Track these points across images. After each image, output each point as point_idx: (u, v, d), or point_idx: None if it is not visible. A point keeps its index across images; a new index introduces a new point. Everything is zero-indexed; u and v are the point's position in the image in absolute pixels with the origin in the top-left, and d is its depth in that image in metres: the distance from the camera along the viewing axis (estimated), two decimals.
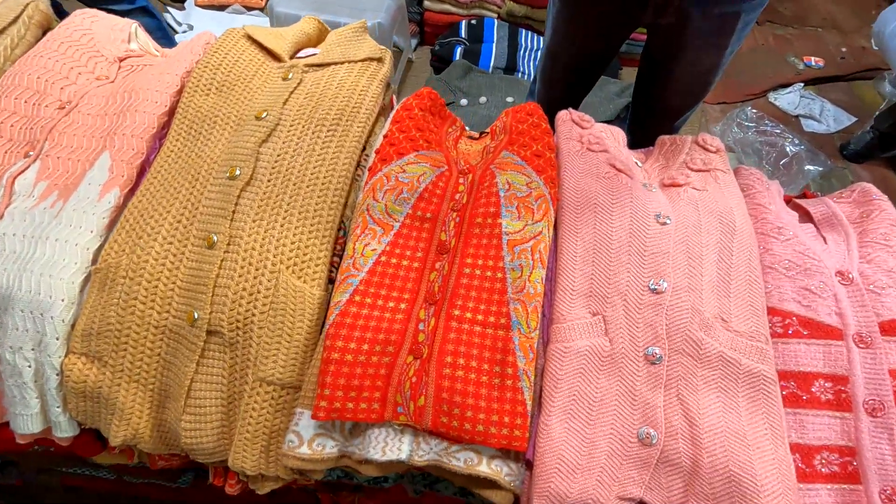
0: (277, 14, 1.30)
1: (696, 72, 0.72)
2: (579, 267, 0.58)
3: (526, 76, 1.47)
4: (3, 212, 0.60)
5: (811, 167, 1.40)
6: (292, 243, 0.57)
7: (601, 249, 0.59)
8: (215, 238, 0.56)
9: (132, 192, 0.63)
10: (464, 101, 1.30)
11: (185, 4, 1.71)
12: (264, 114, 0.65)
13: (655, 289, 0.56)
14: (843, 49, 1.89)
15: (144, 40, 0.84)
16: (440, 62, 1.50)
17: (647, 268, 0.57)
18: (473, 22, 1.56)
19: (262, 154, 0.62)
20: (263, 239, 0.57)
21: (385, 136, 0.67)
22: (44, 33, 0.78)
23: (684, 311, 0.55)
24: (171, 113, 0.69)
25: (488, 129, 0.78)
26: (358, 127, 0.66)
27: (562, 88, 0.87)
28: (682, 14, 0.64)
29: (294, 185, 0.60)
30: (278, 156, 0.62)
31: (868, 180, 1.46)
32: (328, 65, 0.73)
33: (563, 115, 0.71)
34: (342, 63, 0.74)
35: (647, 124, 0.86)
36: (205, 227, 0.57)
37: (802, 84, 1.69)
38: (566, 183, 0.65)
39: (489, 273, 0.56)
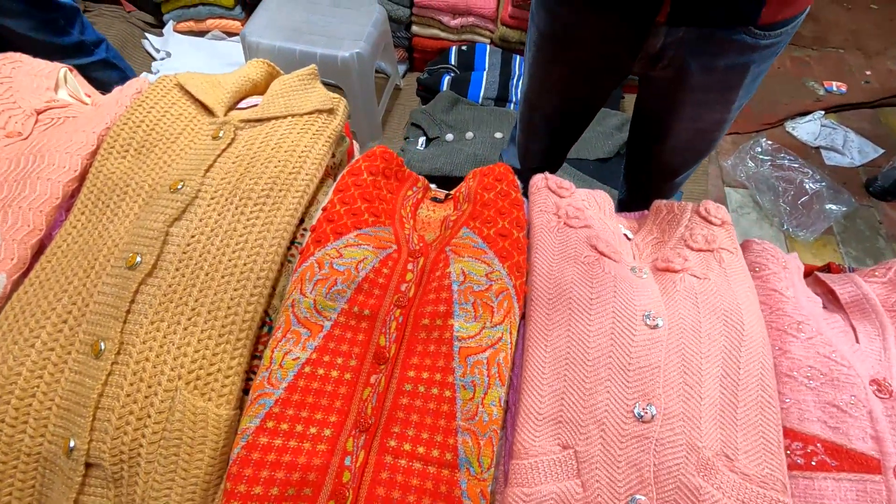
0: (250, 44, 1.22)
1: (697, 128, 0.61)
2: (548, 382, 0.47)
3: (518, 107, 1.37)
4: None
5: (833, 206, 1.27)
6: (196, 352, 0.47)
7: (575, 360, 0.48)
8: (102, 345, 0.46)
9: (25, 276, 0.54)
10: (449, 136, 1.20)
11: (164, 31, 1.64)
12: (181, 184, 0.55)
13: (641, 416, 0.45)
14: (868, 73, 1.75)
15: (74, 87, 0.76)
16: (427, 92, 1.41)
17: (631, 387, 0.46)
18: (464, 48, 1.46)
19: (171, 236, 0.52)
20: (160, 347, 0.47)
21: (324, 210, 0.57)
22: None
23: (678, 447, 0.43)
24: (83, 178, 0.59)
25: (454, 192, 0.67)
26: (293, 198, 0.56)
27: (544, 138, 0.76)
28: (679, 66, 0.53)
29: (206, 274, 0.50)
30: (192, 237, 0.52)
31: (895, 220, 1.33)
32: (268, 119, 0.64)
33: (538, 182, 0.60)
34: (284, 117, 0.64)
35: (641, 180, 0.75)
36: (93, 331, 0.48)
37: (823, 112, 1.56)
38: (538, 268, 0.54)
39: (435, 391, 0.46)
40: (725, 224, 0.59)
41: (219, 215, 0.54)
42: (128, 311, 0.48)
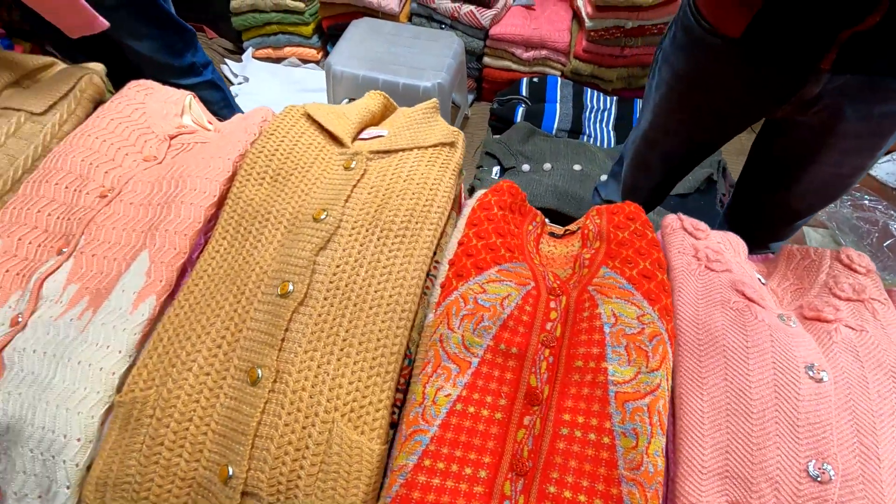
0: (335, 73, 1.25)
1: (836, 174, 0.59)
2: (709, 434, 0.45)
3: (592, 139, 1.37)
4: (26, 320, 0.52)
5: None
6: (350, 383, 0.47)
7: (737, 412, 0.46)
8: (260, 373, 0.47)
9: (171, 298, 0.55)
10: (526, 167, 1.21)
11: (243, 57, 1.71)
12: (323, 214, 0.56)
13: (818, 476, 0.42)
14: None
15: (198, 113, 0.79)
16: (500, 122, 1.42)
17: (803, 444, 0.44)
18: (535, 80, 1.48)
19: (318, 265, 0.53)
20: (316, 377, 0.47)
21: (460, 244, 0.57)
22: (96, 107, 0.73)
23: None
24: (220, 203, 0.61)
25: (575, 227, 0.67)
26: (429, 231, 0.57)
27: (657, 175, 0.75)
28: (833, 113, 0.52)
29: (354, 305, 0.51)
30: (337, 267, 0.53)
31: None
32: (395, 151, 0.65)
33: (673, 223, 0.59)
34: (410, 150, 0.65)
35: (754, 223, 0.73)
36: (248, 358, 0.48)
37: None
38: (682, 313, 0.52)
39: (592, 436, 0.44)
40: (870, 273, 0.57)
41: (361, 246, 0.55)
42: (283, 339, 0.48)
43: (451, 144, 0.67)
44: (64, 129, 0.69)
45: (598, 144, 1.35)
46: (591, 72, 1.49)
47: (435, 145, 0.66)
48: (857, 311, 0.53)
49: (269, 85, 1.61)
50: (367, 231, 0.56)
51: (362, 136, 0.71)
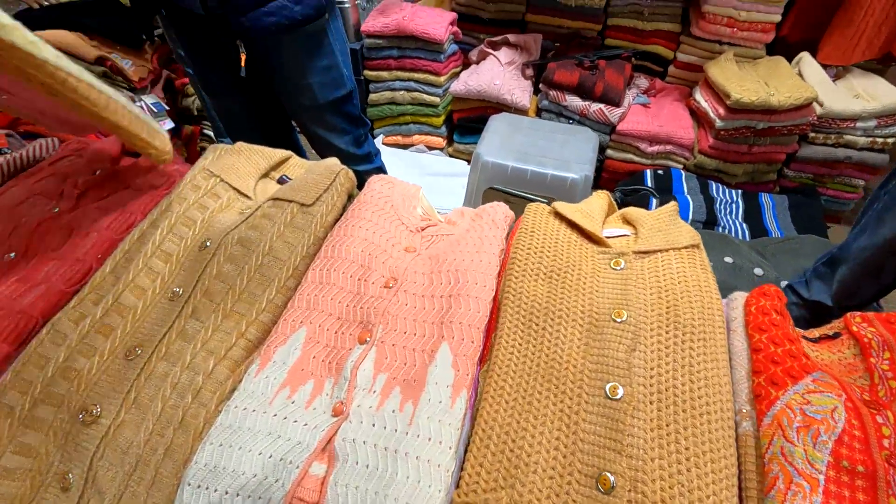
0: (484, 163, 1.34)
1: None
2: None
3: (727, 230, 1.39)
4: (348, 410, 0.54)
5: None
6: (707, 497, 0.46)
7: None
8: (612, 479, 0.46)
9: (471, 390, 0.56)
10: None
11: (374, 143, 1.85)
12: (624, 315, 0.58)
13: None
14: None
15: (428, 205, 0.84)
16: None
17: None
18: (660, 172, 1.54)
19: (634, 366, 0.54)
20: (671, 488, 0.46)
21: (757, 350, 0.57)
22: (348, 200, 0.80)
23: None
24: (495, 297, 0.64)
25: (831, 332, 0.67)
26: (720, 333, 0.58)
27: (885, 281, 0.76)
28: None
29: (683, 411, 0.51)
30: (652, 369, 0.53)
31: None
32: (654, 252, 0.67)
33: None
34: (667, 251, 0.68)
35: None
36: (592, 462, 0.48)
37: None
38: None
39: None
40: None
41: (667, 348, 0.55)
42: (627, 445, 0.48)
43: (698, 246, 0.69)
44: (328, 219, 0.74)
45: (735, 236, 1.37)
46: (715, 166, 1.55)
47: (686, 247, 0.68)
48: None
49: (398, 169, 1.72)
50: (667, 332, 0.57)
51: (604, 234, 0.74)
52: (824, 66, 1.58)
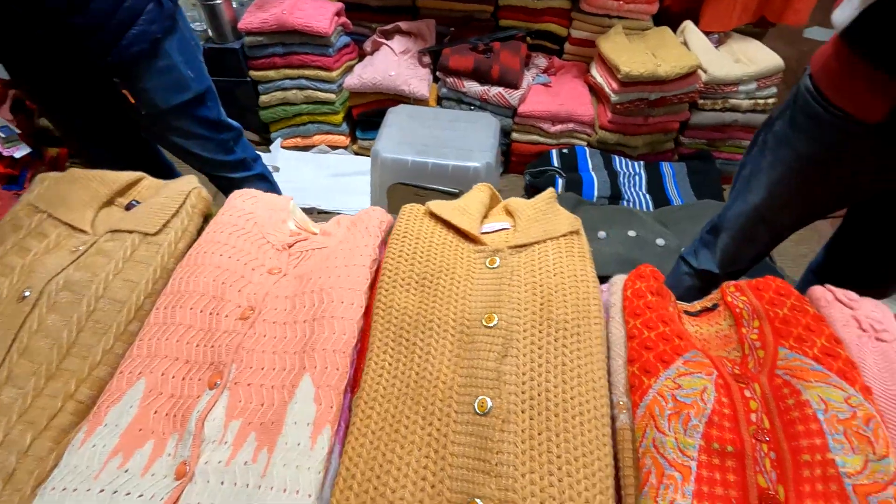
0: (384, 160, 1.28)
1: None
2: None
3: (632, 203, 1.42)
4: (193, 469, 0.47)
5: None
6: None
7: None
8: None
9: (337, 424, 0.51)
10: None
11: (272, 147, 1.73)
12: (494, 318, 0.54)
13: None
14: None
15: (301, 217, 0.78)
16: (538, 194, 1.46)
17: None
18: (565, 151, 1.55)
19: (505, 374, 0.50)
20: (542, 502, 0.43)
21: (632, 338, 0.56)
22: (204, 221, 0.72)
23: None
24: (367, 314, 0.59)
25: (710, 304, 0.67)
26: (595, 324, 0.56)
27: (761, 246, 0.78)
28: None
29: (556, 416, 0.48)
30: (524, 375, 0.51)
31: None
32: (531, 244, 0.65)
33: (825, 295, 0.60)
34: (545, 241, 0.65)
35: (863, 285, 0.75)
36: (462, 489, 0.44)
37: None
38: (874, 391, 0.52)
39: None
40: None
41: (540, 349, 0.53)
42: (496, 464, 0.45)
43: (577, 232, 0.68)
44: (179, 247, 0.66)
45: (639, 208, 1.39)
46: (616, 140, 1.57)
47: (565, 235, 0.66)
48: None
49: (300, 173, 1.63)
50: (540, 332, 0.54)
51: (483, 229, 0.71)
52: (707, 34, 1.63)
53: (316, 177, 1.60)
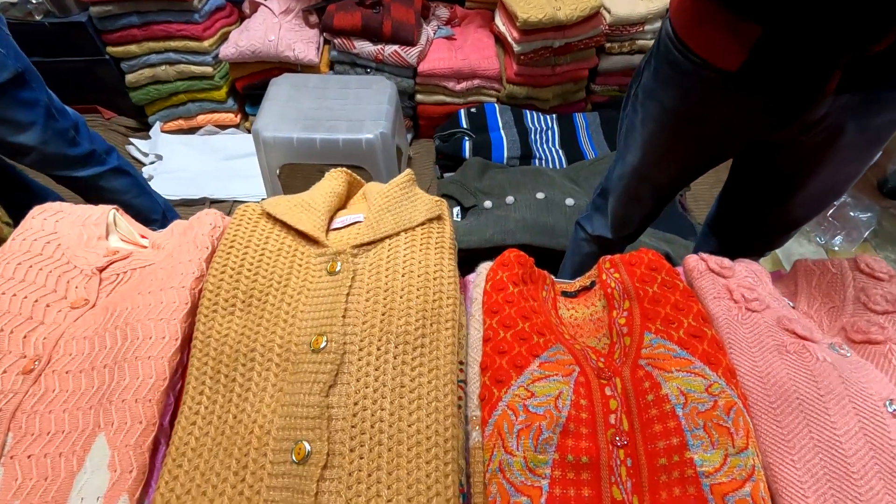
0: (265, 139, 1.14)
1: (833, 183, 0.59)
2: None
3: (544, 161, 1.35)
4: None
5: (861, 214, 1.30)
6: None
7: (837, 475, 0.41)
8: None
9: (148, 487, 0.43)
10: (488, 203, 1.16)
11: (151, 133, 1.54)
12: (323, 341, 0.47)
13: None
14: None
15: (127, 229, 0.66)
16: (447, 159, 1.37)
17: None
18: (473, 110, 1.45)
19: (333, 408, 0.43)
20: None
21: (487, 340, 0.50)
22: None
23: None
24: (184, 346, 0.50)
25: (588, 282, 0.62)
26: (447, 331, 0.49)
27: (648, 206, 0.73)
28: (834, 129, 0.51)
29: (389, 450, 0.42)
30: (355, 405, 0.44)
31: None
32: (381, 240, 0.57)
33: (698, 266, 0.56)
34: (398, 234, 0.57)
35: (749, 239, 0.72)
36: None
37: None
38: (741, 368, 0.48)
39: None
40: (893, 278, 0.56)
41: (377, 371, 0.46)
42: None
43: (439, 218, 0.60)
44: None
45: (551, 166, 1.33)
46: (526, 94, 1.49)
47: (422, 223, 0.58)
48: None
49: (187, 159, 1.46)
50: (378, 349, 0.47)
51: (335, 224, 0.62)
52: None
53: (205, 162, 1.44)
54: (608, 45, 1.50)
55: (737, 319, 0.52)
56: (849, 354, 0.49)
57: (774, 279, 0.63)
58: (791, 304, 0.59)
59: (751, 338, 0.50)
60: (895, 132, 0.52)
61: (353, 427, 0.43)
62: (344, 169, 0.68)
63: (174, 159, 1.45)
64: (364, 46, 1.41)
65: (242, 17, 1.55)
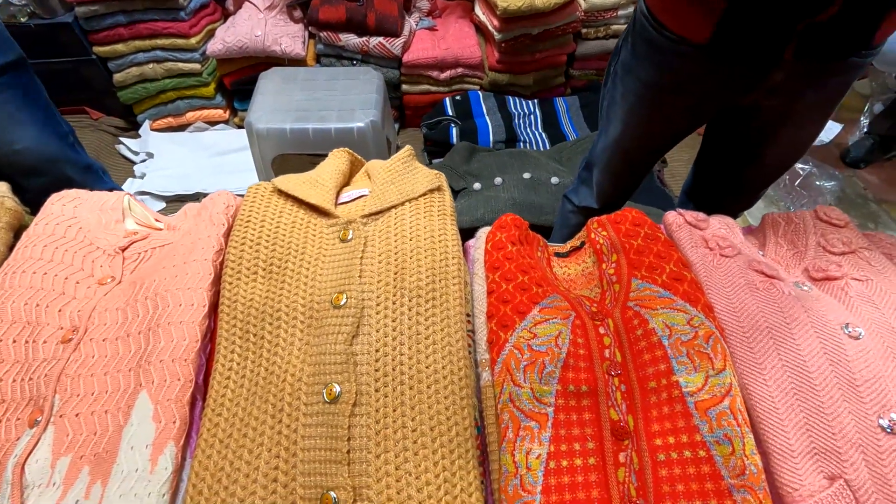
0: (258, 131, 1.17)
1: (796, 143, 0.65)
2: (786, 416, 0.47)
3: (528, 144, 1.41)
4: None
5: (825, 183, 1.38)
6: (436, 476, 0.43)
7: (802, 388, 0.47)
8: (335, 496, 0.41)
9: (189, 438, 0.47)
10: (477, 186, 1.21)
11: (140, 132, 1.55)
12: (343, 298, 0.51)
13: (890, 428, 0.45)
14: None
15: (142, 213, 0.70)
16: (436, 146, 1.41)
17: (868, 402, 0.46)
18: (458, 98, 1.49)
19: (357, 355, 0.48)
20: (398, 482, 0.42)
21: (491, 292, 0.55)
22: (17, 235, 0.62)
23: None
24: (211, 312, 0.54)
25: (578, 243, 0.67)
26: (454, 286, 0.54)
27: (629, 177, 0.78)
28: (794, 92, 0.57)
29: (411, 388, 0.47)
30: (377, 352, 0.48)
31: (877, 185, 1.48)
32: (387, 210, 0.61)
33: (676, 220, 0.61)
34: (402, 204, 0.62)
35: (722, 200, 0.79)
36: (315, 483, 0.42)
37: None
38: (717, 305, 0.54)
39: (688, 453, 0.44)
40: (848, 224, 0.62)
41: (394, 322, 0.51)
42: (348, 451, 0.43)
43: (439, 189, 0.64)
44: None
45: (535, 148, 1.39)
46: (508, 80, 1.54)
47: (424, 194, 0.63)
48: (854, 263, 0.58)
49: (178, 156, 1.47)
50: (393, 304, 0.52)
51: (341, 199, 0.66)
52: None
53: (196, 159, 1.46)
54: (584, 30, 1.56)
55: (712, 264, 0.58)
56: (811, 290, 0.56)
57: (745, 233, 0.69)
58: (761, 252, 0.65)
59: (725, 279, 0.56)
60: (844, 95, 0.59)
61: (376, 371, 0.47)
62: (346, 149, 0.72)
63: (165, 157, 1.46)
64: (349, 39, 1.45)
65: (226, 15, 1.57)
